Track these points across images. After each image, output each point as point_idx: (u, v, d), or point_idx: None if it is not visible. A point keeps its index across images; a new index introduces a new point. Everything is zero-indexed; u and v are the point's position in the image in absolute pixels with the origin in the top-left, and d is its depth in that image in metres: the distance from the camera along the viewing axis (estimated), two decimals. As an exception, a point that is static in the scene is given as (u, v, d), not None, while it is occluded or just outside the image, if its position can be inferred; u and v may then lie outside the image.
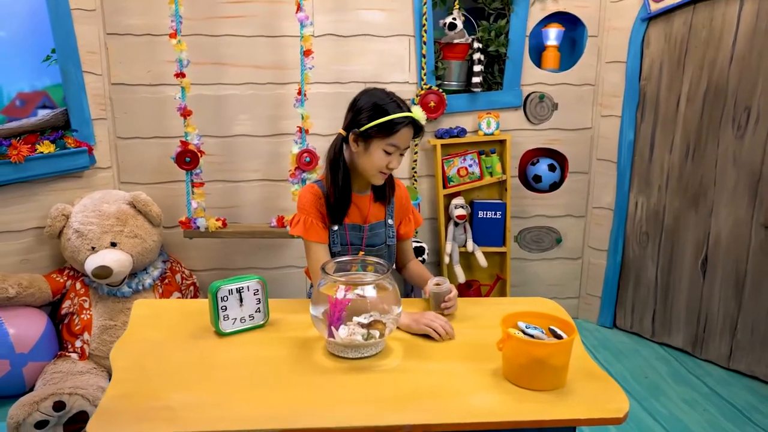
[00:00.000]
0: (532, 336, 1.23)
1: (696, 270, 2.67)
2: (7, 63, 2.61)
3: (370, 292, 1.32)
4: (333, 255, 1.68)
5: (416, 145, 2.84)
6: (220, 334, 1.40)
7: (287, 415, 1.09)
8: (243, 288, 1.42)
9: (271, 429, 1.05)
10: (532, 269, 3.11)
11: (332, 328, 1.29)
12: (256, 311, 1.45)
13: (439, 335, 1.42)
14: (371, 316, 1.33)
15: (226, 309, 1.40)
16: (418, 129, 1.60)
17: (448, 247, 2.88)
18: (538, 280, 3.11)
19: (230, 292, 1.41)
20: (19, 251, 2.49)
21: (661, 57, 2.68)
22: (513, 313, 1.29)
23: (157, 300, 1.88)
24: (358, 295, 1.31)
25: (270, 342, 1.38)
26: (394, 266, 1.81)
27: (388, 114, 1.55)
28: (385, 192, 1.72)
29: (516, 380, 1.22)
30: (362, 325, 1.31)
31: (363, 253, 1.69)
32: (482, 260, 2.89)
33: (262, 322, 1.46)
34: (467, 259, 2.97)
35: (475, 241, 2.91)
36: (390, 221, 1.74)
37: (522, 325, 1.26)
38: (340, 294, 1.28)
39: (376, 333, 1.31)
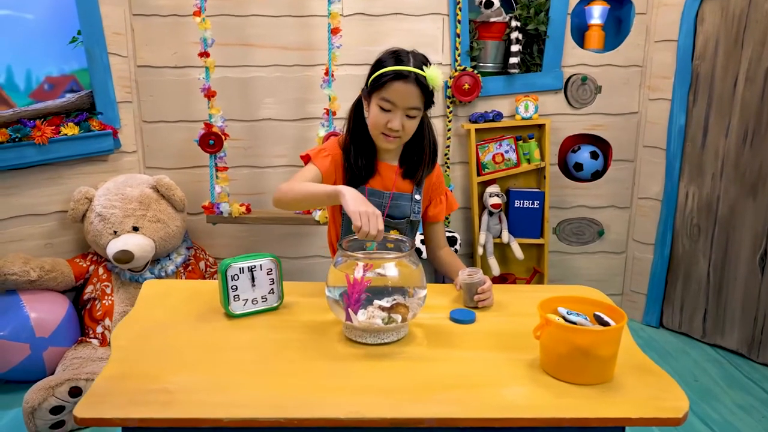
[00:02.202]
0: (574, 323, 1.08)
1: (754, 265, 2.45)
2: (35, 46, 2.58)
3: (391, 271, 1.19)
4: (346, 222, 1.58)
5: (449, 130, 2.70)
6: (230, 315, 1.30)
7: (296, 403, 0.98)
8: (255, 267, 1.31)
9: (277, 418, 0.94)
10: (571, 263, 2.93)
11: (349, 311, 1.17)
12: (269, 292, 1.34)
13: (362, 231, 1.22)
14: (393, 299, 1.20)
15: (236, 289, 1.29)
16: (425, 89, 1.43)
17: (482, 237, 2.73)
18: (577, 275, 2.93)
19: (241, 270, 1.30)
20: (43, 235, 2.45)
21: (717, 34, 2.47)
22: (552, 298, 1.14)
23: (167, 280, 1.79)
24: (378, 274, 1.18)
25: (283, 325, 1.27)
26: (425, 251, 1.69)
27: (383, 68, 1.44)
28: (416, 170, 1.59)
29: (555, 372, 1.07)
30: (383, 309, 1.19)
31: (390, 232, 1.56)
32: (518, 252, 2.73)
33: (275, 305, 1.35)
34: (502, 251, 2.82)
35: (510, 232, 2.76)
36: (417, 196, 1.61)
37: (563, 311, 1.11)
38: (358, 273, 1.16)
39: (398, 317, 1.19)
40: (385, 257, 1.22)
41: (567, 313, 1.10)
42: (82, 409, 0.92)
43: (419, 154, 1.57)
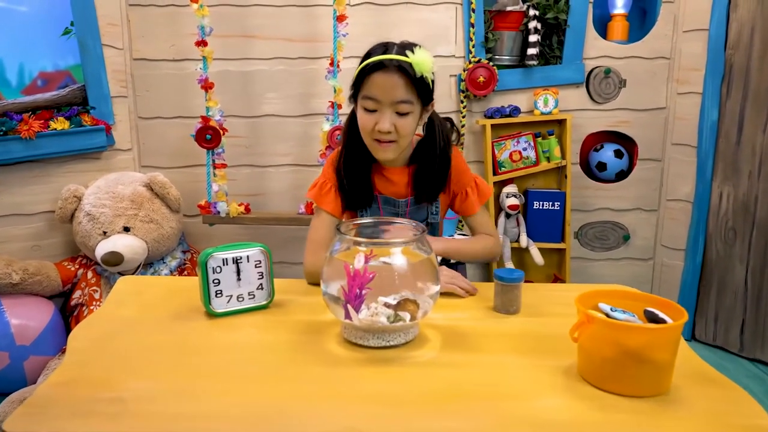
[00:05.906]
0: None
1: (798, 271, 2.24)
2: (29, 40, 2.46)
3: (399, 261, 1.01)
4: None
5: (463, 126, 2.53)
6: (211, 314, 1.12)
7: (276, 415, 0.79)
8: (241, 258, 1.13)
9: (253, 434, 0.75)
10: (594, 270, 2.72)
11: (349, 307, 0.99)
12: (257, 288, 1.16)
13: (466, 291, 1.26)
14: (401, 294, 1.02)
15: (218, 283, 1.11)
16: (413, 78, 1.23)
17: (499, 241, 2.54)
18: (601, 283, 2.71)
19: (225, 262, 1.12)
20: (30, 236, 2.30)
21: (753, 21, 2.29)
22: (592, 291, 0.95)
23: (144, 276, 1.62)
24: (383, 262, 1.00)
25: (271, 326, 1.09)
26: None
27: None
28: (428, 189, 1.42)
29: (598, 381, 0.88)
30: (388, 305, 1.00)
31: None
32: (538, 258, 2.54)
33: (264, 302, 1.17)
34: (520, 256, 2.62)
35: (529, 235, 2.56)
36: None
37: (605, 307, 0.92)
38: (358, 263, 0.97)
39: (407, 315, 1.00)
40: (390, 242, 1.04)
41: (611, 309, 0.91)
42: (14, 422, 0.74)
43: (429, 162, 1.38)
